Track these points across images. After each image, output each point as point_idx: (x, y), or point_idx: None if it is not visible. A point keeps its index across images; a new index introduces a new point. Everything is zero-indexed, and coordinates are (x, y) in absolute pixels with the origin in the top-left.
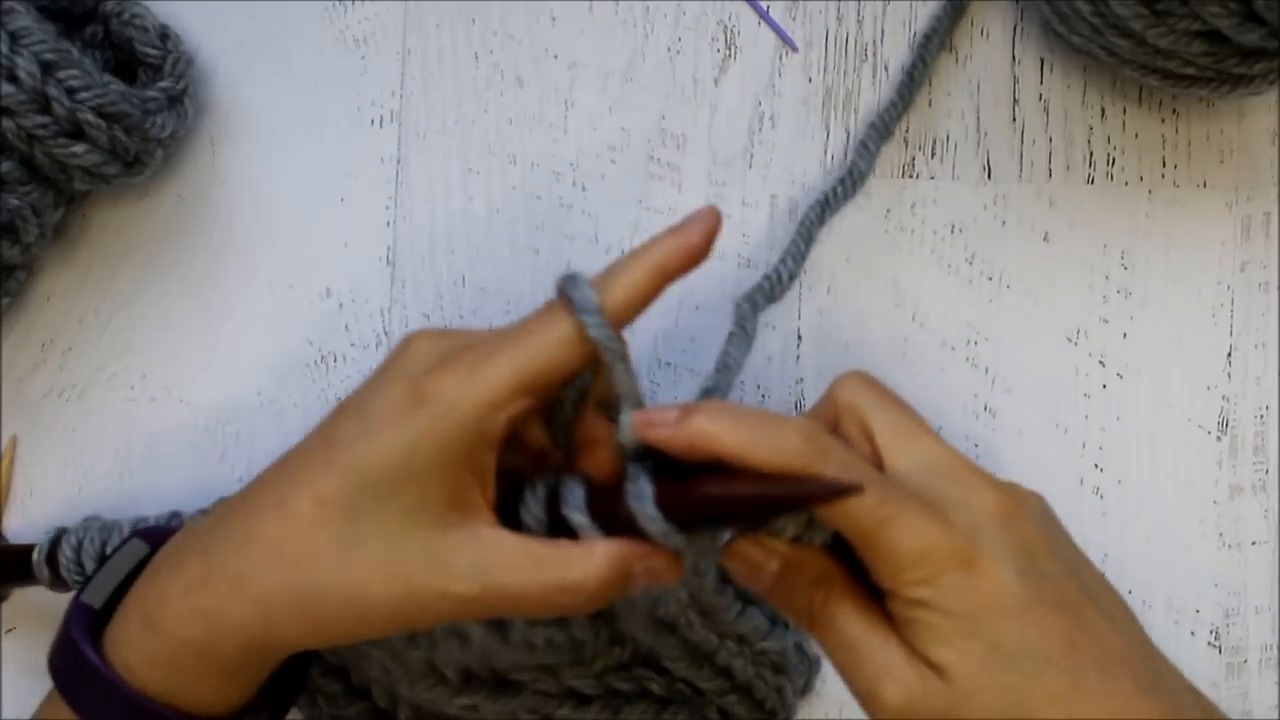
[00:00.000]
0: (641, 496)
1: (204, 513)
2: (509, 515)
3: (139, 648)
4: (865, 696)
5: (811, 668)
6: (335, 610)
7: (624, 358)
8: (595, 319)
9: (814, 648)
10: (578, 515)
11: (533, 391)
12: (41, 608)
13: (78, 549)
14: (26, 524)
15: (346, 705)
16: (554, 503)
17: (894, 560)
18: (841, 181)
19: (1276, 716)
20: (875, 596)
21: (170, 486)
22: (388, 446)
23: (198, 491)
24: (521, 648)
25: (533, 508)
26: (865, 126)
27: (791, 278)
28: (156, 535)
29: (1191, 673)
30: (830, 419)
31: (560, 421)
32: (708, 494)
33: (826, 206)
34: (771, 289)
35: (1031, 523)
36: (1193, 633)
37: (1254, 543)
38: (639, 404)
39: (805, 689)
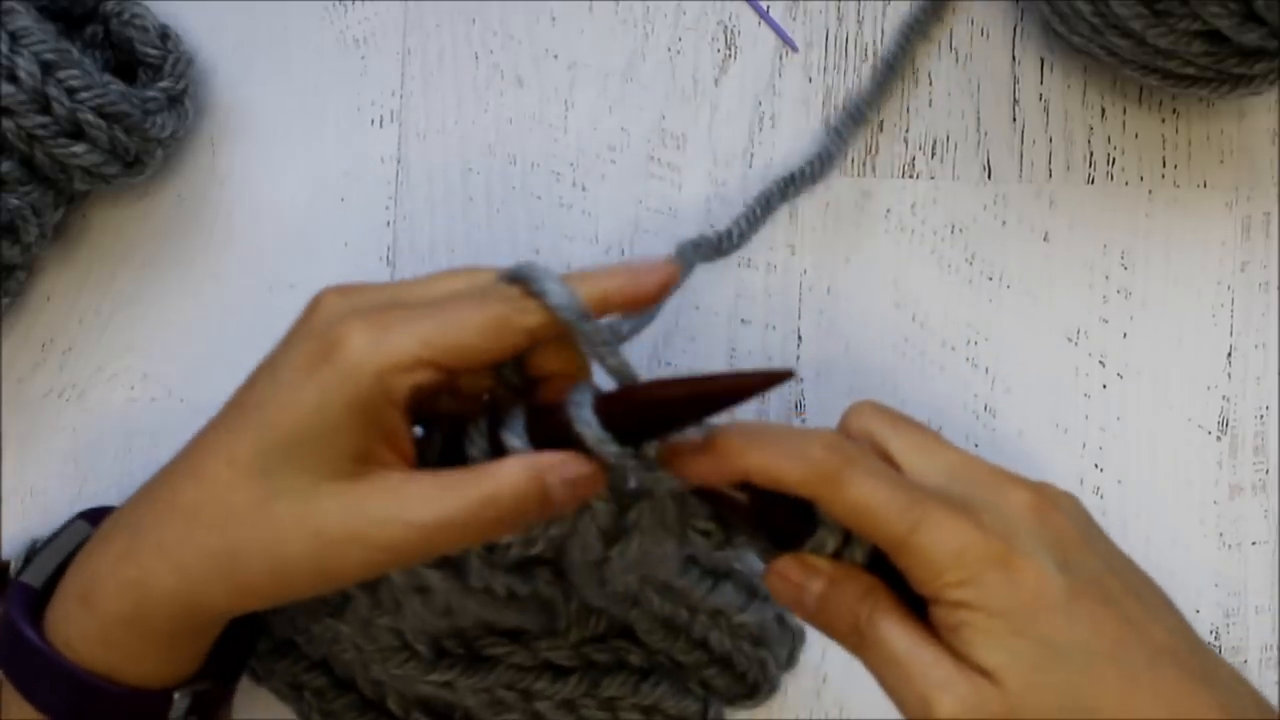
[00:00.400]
0: (579, 403)
1: None
2: (458, 463)
3: (75, 623)
4: (917, 713)
5: (795, 639)
6: (256, 571)
7: (601, 342)
8: (569, 301)
9: (796, 620)
10: (514, 439)
11: (440, 366)
12: None
13: None
14: (27, 524)
15: (334, 699)
16: (496, 433)
17: (931, 565)
18: (810, 163)
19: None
20: (919, 612)
21: None
22: (295, 404)
23: None
24: (484, 597)
25: (476, 440)
26: (842, 112)
27: (742, 238)
28: (97, 516)
29: None
30: None
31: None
32: (643, 395)
33: (790, 184)
34: (718, 243)
35: (1064, 519)
36: None
37: (1254, 543)
38: (630, 377)
39: (789, 662)
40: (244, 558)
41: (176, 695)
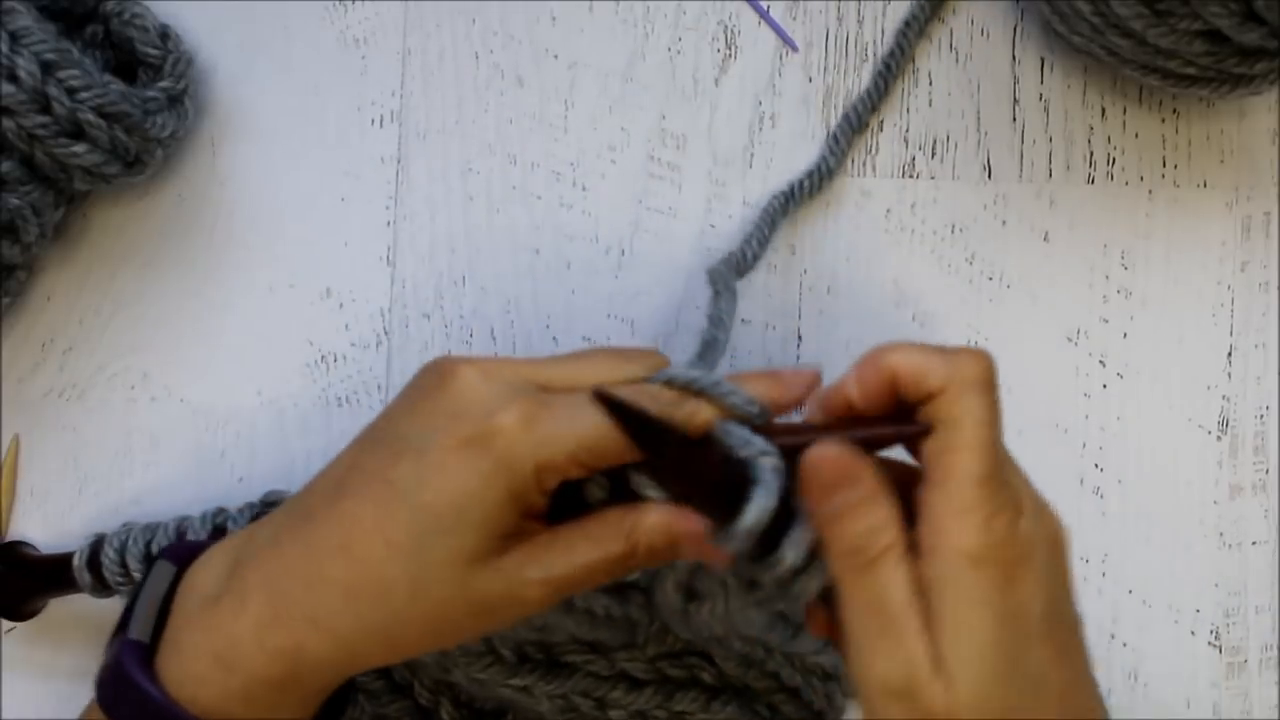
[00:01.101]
0: (740, 436)
1: (256, 512)
2: (575, 501)
3: (212, 684)
4: (862, 673)
5: None
6: (416, 636)
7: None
8: (764, 451)
9: None
10: (649, 489)
11: (592, 467)
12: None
13: (121, 550)
14: (27, 524)
15: (389, 703)
16: (619, 475)
17: (955, 527)
18: (809, 175)
19: (1276, 717)
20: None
21: (170, 486)
22: (451, 489)
23: (198, 491)
24: (583, 616)
25: (599, 481)
26: (841, 121)
27: (755, 259)
28: (181, 553)
29: (1191, 673)
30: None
31: None
32: (795, 436)
33: (790, 198)
34: (737, 265)
35: (1066, 560)
36: (1193, 633)
37: (1254, 543)
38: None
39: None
40: (403, 628)
41: None
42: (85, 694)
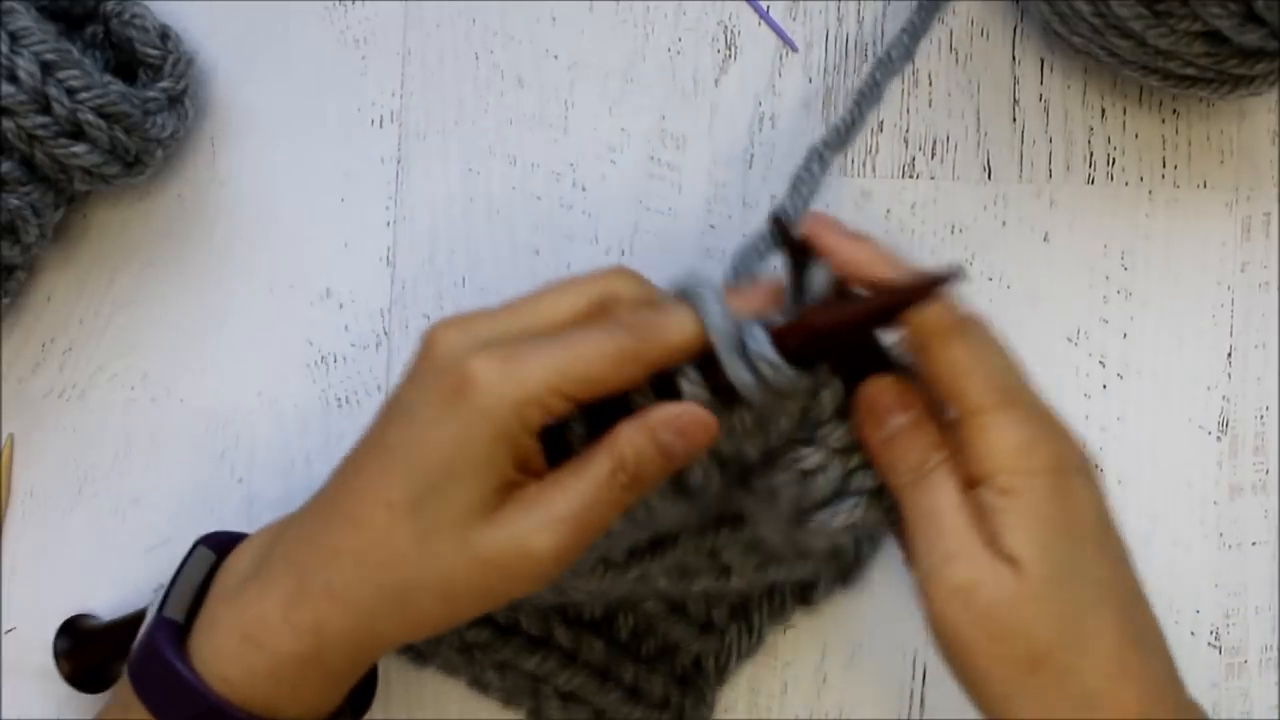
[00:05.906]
0: (757, 340)
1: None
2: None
3: (239, 663)
4: (928, 573)
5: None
6: (427, 603)
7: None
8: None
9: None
10: (689, 384)
11: (572, 397)
12: (41, 608)
13: None
14: (26, 524)
15: (502, 647)
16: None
17: (997, 447)
18: (899, 42)
19: (1276, 717)
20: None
21: (170, 487)
22: (438, 443)
23: (198, 491)
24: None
25: (574, 428)
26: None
27: (856, 126)
28: (220, 542)
29: (1191, 673)
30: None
31: None
32: (816, 320)
33: (878, 80)
34: (840, 137)
35: (1099, 480)
36: (1193, 633)
37: (1254, 543)
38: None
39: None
40: (414, 592)
41: None
42: (85, 695)
